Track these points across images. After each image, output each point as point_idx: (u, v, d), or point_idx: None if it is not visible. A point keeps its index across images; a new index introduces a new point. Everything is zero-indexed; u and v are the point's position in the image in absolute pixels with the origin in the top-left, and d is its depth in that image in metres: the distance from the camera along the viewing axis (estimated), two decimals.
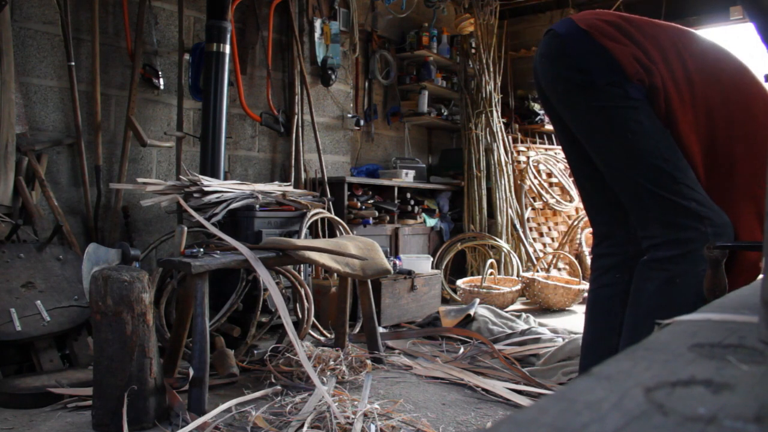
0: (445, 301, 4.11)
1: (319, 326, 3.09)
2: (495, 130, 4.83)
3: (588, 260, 4.68)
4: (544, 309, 4.09)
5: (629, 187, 1.63)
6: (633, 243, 1.76)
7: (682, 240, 1.52)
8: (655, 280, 1.56)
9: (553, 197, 5.05)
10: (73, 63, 2.80)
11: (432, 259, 4.06)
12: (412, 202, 4.39)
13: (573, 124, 1.73)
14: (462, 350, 2.78)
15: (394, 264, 3.47)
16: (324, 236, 3.52)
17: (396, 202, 4.21)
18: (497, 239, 4.61)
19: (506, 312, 3.41)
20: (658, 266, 1.57)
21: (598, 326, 1.83)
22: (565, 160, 2.05)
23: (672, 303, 1.54)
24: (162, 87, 3.18)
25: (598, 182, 1.81)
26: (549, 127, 5.50)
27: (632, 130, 1.57)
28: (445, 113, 5.12)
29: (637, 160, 1.58)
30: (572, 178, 2.02)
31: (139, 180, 2.65)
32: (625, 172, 1.63)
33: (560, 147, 2.03)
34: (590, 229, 4.96)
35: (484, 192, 4.74)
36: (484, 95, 4.85)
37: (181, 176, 2.88)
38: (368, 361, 2.40)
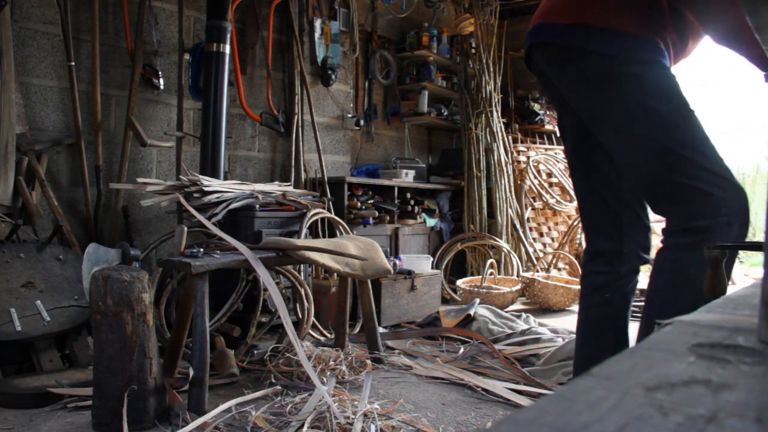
0: (445, 301, 4.12)
1: (319, 326, 3.09)
2: (495, 130, 4.83)
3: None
4: (544, 309, 4.09)
5: (644, 178, 1.58)
6: (626, 262, 1.74)
7: (699, 228, 1.47)
8: (670, 272, 1.52)
9: (553, 197, 5.05)
10: (73, 63, 2.80)
11: (432, 259, 4.06)
12: (412, 202, 4.39)
13: (588, 116, 1.68)
14: (462, 350, 2.78)
15: (394, 264, 3.47)
16: (324, 236, 3.52)
17: (396, 202, 4.21)
18: (497, 239, 4.61)
19: (506, 312, 3.41)
20: (672, 256, 1.52)
21: (591, 348, 1.79)
22: (566, 162, 2.02)
23: (687, 296, 1.48)
24: (162, 87, 3.18)
25: (597, 196, 1.78)
26: (549, 127, 5.51)
27: (645, 108, 1.52)
28: (445, 113, 5.12)
29: (652, 146, 1.53)
30: (574, 190, 1.97)
31: (139, 180, 2.65)
32: (640, 162, 1.57)
33: (564, 154, 1.99)
34: None
35: (484, 192, 4.74)
36: (484, 95, 4.85)
37: (181, 176, 2.88)
38: (368, 361, 2.40)
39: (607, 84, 1.59)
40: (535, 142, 5.44)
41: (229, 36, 3.10)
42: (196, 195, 2.65)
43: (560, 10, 1.63)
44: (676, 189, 1.51)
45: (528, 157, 5.11)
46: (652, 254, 1.73)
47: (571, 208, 5.12)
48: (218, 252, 2.27)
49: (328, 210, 3.50)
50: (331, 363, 2.31)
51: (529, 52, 1.76)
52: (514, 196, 4.85)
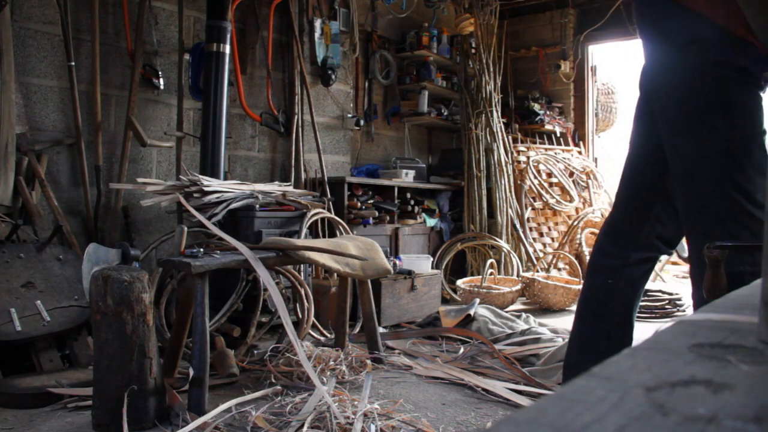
0: (445, 301, 4.12)
1: (319, 326, 3.09)
2: (495, 130, 4.83)
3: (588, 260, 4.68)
4: (544, 309, 4.09)
5: (686, 198, 1.45)
6: (638, 250, 1.68)
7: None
8: None
9: (553, 197, 5.05)
10: (73, 63, 2.80)
11: (432, 259, 4.06)
12: (412, 202, 4.39)
13: (653, 94, 1.52)
14: (462, 350, 2.78)
15: (394, 264, 3.47)
16: (324, 236, 3.52)
17: (396, 202, 4.21)
18: (497, 239, 4.61)
19: (506, 312, 3.41)
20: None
21: (586, 328, 1.77)
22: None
23: None
24: (162, 87, 3.18)
25: (640, 170, 1.67)
26: (549, 127, 5.51)
27: (704, 122, 1.35)
28: (445, 113, 5.12)
29: (702, 171, 1.38)
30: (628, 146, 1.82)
31: (139, 180, 2.66)
32: (686, 179, 1.43)
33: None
34: (590, 230, 4.97)
35: (484, 192, 4.74)
36: (484, 95, 4.85)
37: (181, 176, 2.88)
38: (368, 361, 2.40)
39: (669, 73, 1.43)
40: (535, 142, 5.44)
41: (229, 36, 3.10)
42: (196, 195, 2.65)
43: None
44: (717, 228, 1.37)
45: (528, 157, 5.11)
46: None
47: (571, 208, 5.12)
48: (218, 252, 2.27)
49: (328, 210, 3.50)
50: (331, 363, 2.31)
51: None
52: (514, 196, 4.85)
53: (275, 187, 3.06)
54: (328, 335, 3.04)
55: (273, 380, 2.25)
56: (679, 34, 1.39)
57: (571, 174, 5.29)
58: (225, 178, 3.11)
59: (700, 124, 1.38)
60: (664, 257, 1.62)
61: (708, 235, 1.38)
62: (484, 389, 2.21)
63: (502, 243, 4.60)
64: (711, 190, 1.38)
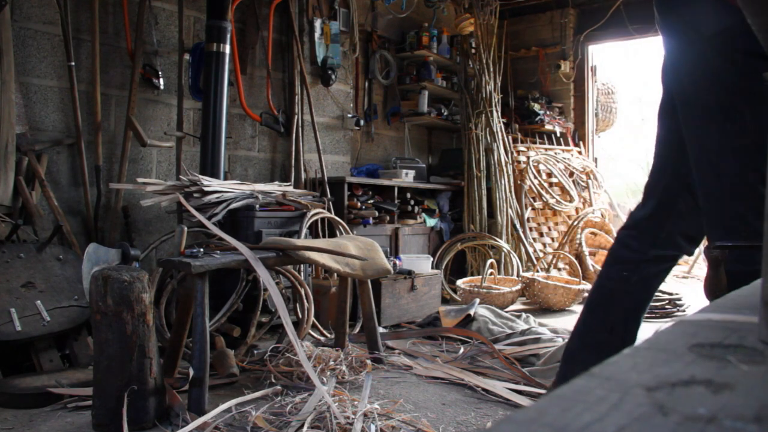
0: (445, 301, 4.11)
1: (319, 326, 3.09)
2: (495, 130, 4.83)
3: (588, 260, 4.69)
4: (544, 309, 4.09)
5: (707, 189, 1.40)
6: (657, 247, 1.64)
7: (733, 273, 1.24)
8: None
9: (553, 197, 5.05)
10: (73, 63, 2.80)
11: (432, 259, 4.06)
12: (412, 202, 4.39)
13: (671, 82, 1.48)
14: (462, 350, 2.78)
15: (394, 264, 3.47)
16: (324, 236, 3.52)
17: (396, 202, 4.21)
18: (497, 239, 4.61)
19: (506, 312, 3.41)
20: None
21: (591, 318, 1.76)
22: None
23: None
24: (162, 87, 3.18)
25: (663, 163, 1.62)
26: (549, 127, 5.51)
27: (727, 108, 1.30)
28: (445, 113, 5.12)
29: (723, 161, 1.33)
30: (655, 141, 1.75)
31: (139, 180, 2.66)
32: (706, 170, 1.38)
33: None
34: (590, 230, 4.97)
35: (484, 192, 4.74)
36: (484, 95, 4.85)
37: (181, 176, 2.88)
38: (368, 361, 2.40)
39: (695, 62, 1.38)
40: (535, 142, 5.44)
41: (229, 36, 3.10)
42: (196, 195, 2.65)
43: None
44: (739, 224, 1.31)
45: (528, 157, 5.11)
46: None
47: (571, 208, 5.12)
48: (218, 252, 2.27)
49: (328, 210, 3.50)
50: (331, 363, 2.31)
51: None
52: (514, 196, 4.85)
53: (275, 187, 3.06)
54: (328, 335, 3.04)
55: (273, 380, 2.25)
56: (708, 24, 1.35)
57: (571, 174, 5.29)
58: (225, 178, 3.11)
59: (727, 115, 1.33)
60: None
61: (730, 231, 1.33)
62: (484, 389, 2.21)
63: (502, 243, 4.60)
64: (735, 183, 1.33)
